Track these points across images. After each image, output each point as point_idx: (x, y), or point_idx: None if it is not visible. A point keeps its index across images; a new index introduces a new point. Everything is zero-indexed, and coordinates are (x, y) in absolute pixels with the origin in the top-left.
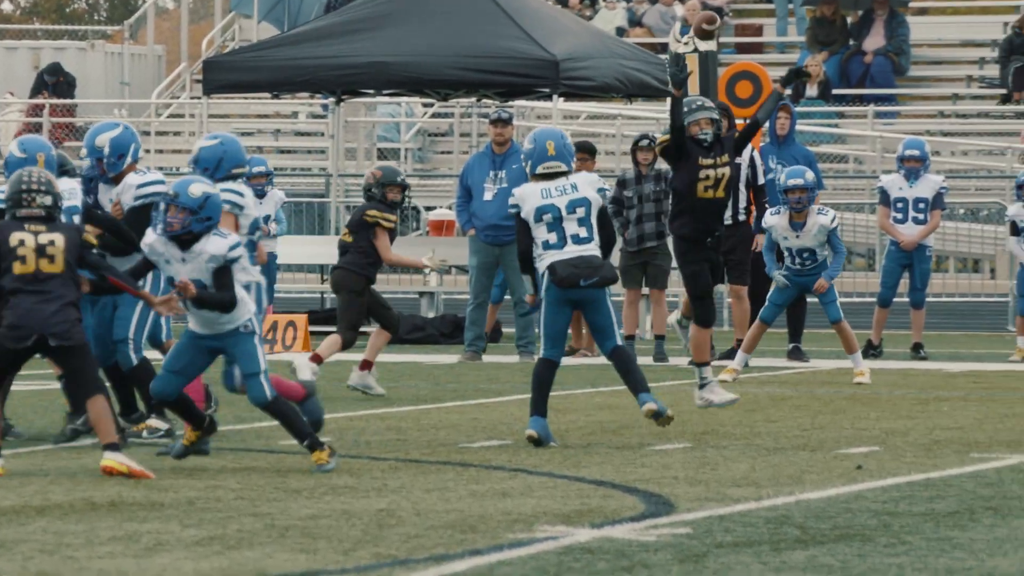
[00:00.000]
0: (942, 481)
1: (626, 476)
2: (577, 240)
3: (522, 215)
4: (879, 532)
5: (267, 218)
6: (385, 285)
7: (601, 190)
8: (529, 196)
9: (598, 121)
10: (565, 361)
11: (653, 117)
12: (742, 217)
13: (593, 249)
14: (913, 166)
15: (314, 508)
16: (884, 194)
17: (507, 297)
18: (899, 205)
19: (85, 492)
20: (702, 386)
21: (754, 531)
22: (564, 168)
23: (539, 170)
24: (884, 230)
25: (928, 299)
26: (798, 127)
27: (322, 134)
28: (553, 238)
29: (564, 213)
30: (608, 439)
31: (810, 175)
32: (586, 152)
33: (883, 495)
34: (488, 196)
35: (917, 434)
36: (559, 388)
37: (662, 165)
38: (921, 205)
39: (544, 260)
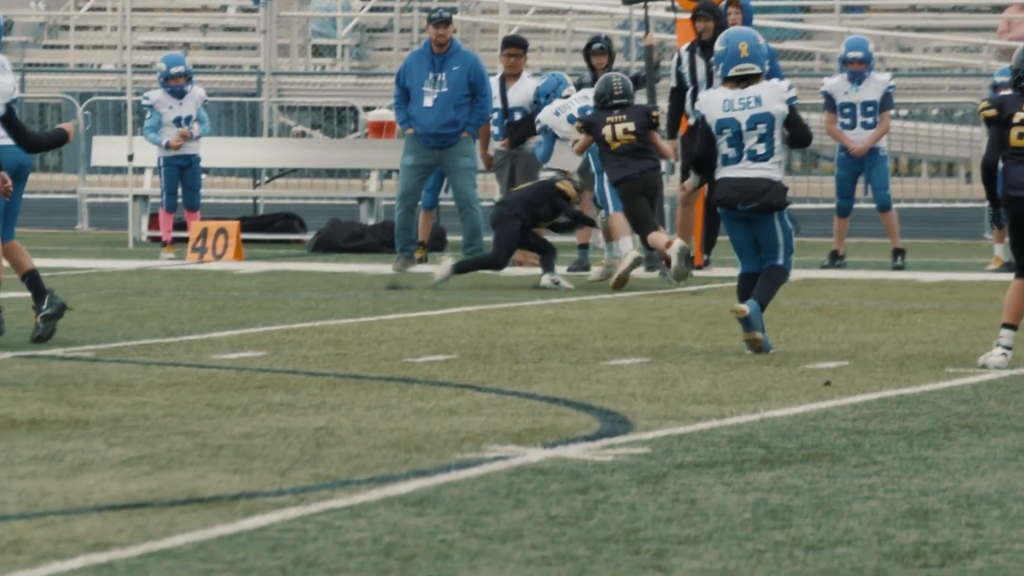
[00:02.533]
0: (915, 398)
1: (580, 393)
2: (754, 156)
3: (707, 122)
4: (849, 452)
5: (188, 118)
6: (322, 190)
7: (792, 99)
8: (713, 105)
9: (548, 16)
10: (513, 272)
11: (606, 11)
12: None
13: (769, 168)
14: (857, 69)
15: (248, 426)
16: (829, 99)
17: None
18: (846, 111)
19: (4, 409)
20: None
21: (716, 451)
22: (757, 70)
23: (731, 72)
24: (832, 137)
25: (900, 205)
26: (758, 22)
27: (253, 29)
28: (731, 152)
29: (744, 128)
30: (561, 354)
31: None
32: (518, 47)
33: (853, 413)
34: (428, 102)
35: (889, 348)
36: (507, 300)
37: (618, 66)
38: (870, 108)
39: (718, 172)
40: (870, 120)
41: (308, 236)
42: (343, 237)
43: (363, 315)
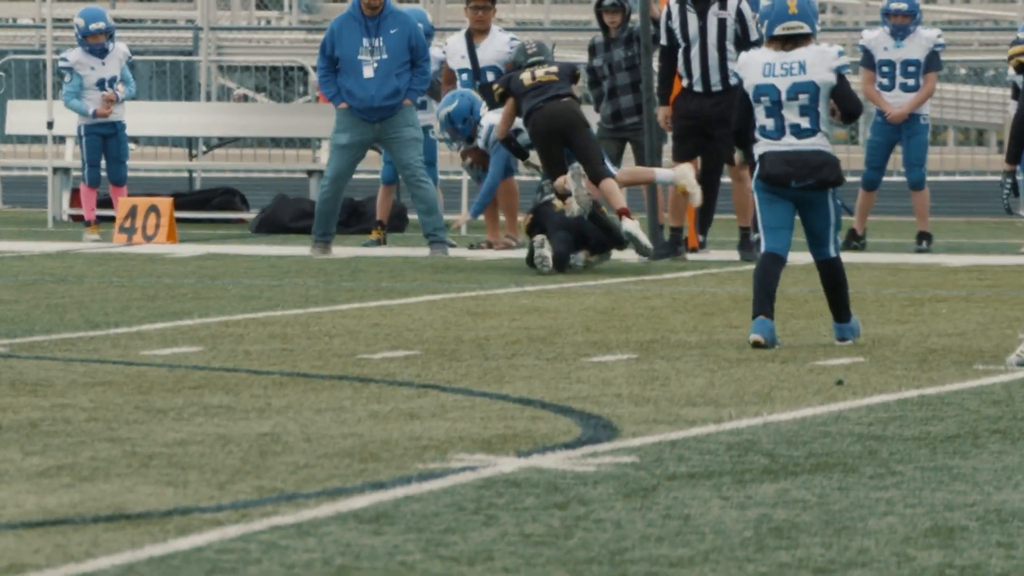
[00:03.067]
0: (939, 399)
1: (558, 394)
2: (796, 131)
3: (744, 87)
4: (864, 461)
5: (112, 80)
6: (267, 162)
7: (842, 68)
8: (751, 68)
9: None
10: (484, 255)
11: None
12: (734, 81)
13: (816, 142)
14: (901, 22)
15: (183, 432)
16: (867, 55)
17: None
18: (885, 69)
19: None
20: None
21: (713, 460)
22: (806, 30)
23: (777, 31)
24: (868, 99)
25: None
26: None
27: None
28: (770, 124)
29: (783, 98)
30: (536, 349)
31: None
32: None
33: (868, 416)
34: (368, 72)
35: (909, 342)
36: (477, 288)
37: (634, 25)
38: (911, 68)
39: (758, 147)
40: (911, 82)
41: (251, 215)
42: (290, 216)
43: (313, 305)
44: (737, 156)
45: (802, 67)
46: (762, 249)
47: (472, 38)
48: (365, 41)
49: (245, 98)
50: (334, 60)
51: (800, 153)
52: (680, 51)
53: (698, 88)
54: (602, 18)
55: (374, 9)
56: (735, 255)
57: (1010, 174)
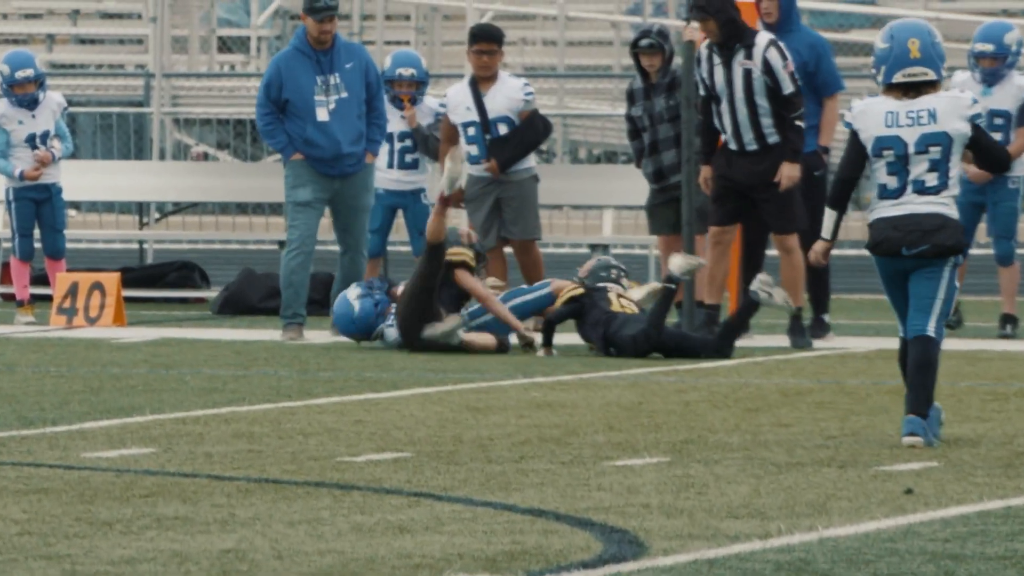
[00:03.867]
0: None
1: (576, 504)
2: (921, 188)
3: (860, 139)
4: None
5: (45, 135)
6: (231, 232)
7: (975, 116)
8: (871, 118)
9: None
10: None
11: None
12: (772, 139)
13: (939, 203)
14: (988, 66)
15: (132, 548)
16: None
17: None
18: None
19: None
20: None
21: None
22: (932, 77)
23: (896, 78)
24: None
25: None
26: (813, 5)
27: (139, 16)
28: (893, 182)
29: (911, 151)
30: (549, 451)
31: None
32: (491, 42)
33: (944, 531)
34: (323, 115)
35: (991, 443)
36: (478, 379)
37: (678, 68)
38: (999, 120)
39: (874, 211)
40: (1000, 136)
41: (212, 293)
42: (259, 295)
43: (285, 399)
44: (827, 226)
45: (932, 116)
46: (899, 335)
47: (478, 86)
48: (318, 79)
49: (205, 156)
50: (281, 104)
51: (914, 216)
52: (712, 103)
53: (732, 146)
54: (639, 60)
55: (324, 43)
56: (785, 340)
57: None
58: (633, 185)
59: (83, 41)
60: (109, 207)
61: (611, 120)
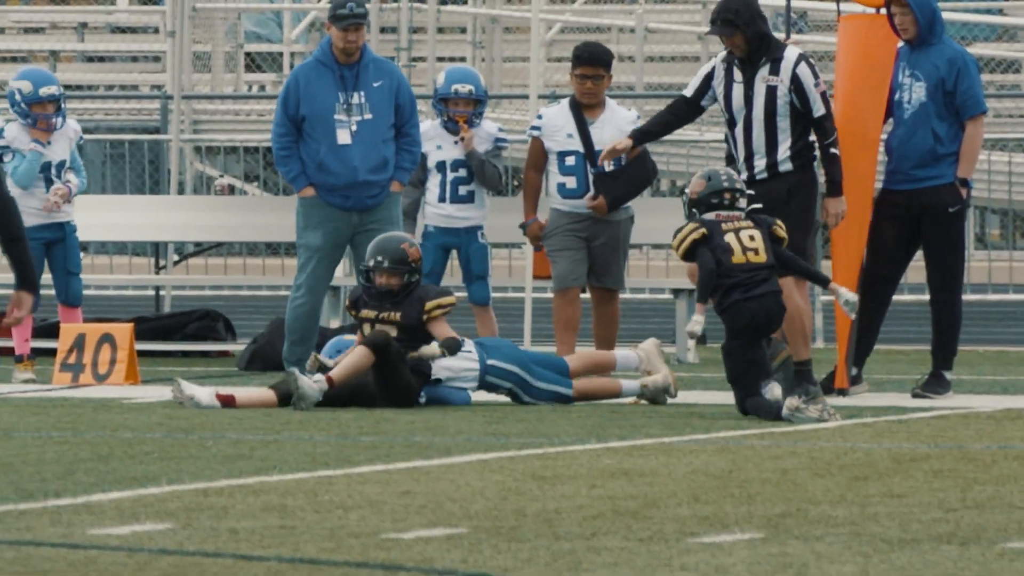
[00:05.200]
0: None
1: None
2: None
3: None
4: None
5: (61, 166)
6: (260, 276)
7: None
8: None
9: (607, 7)
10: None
11: None
12: (784, 168)
13: None
14: None
15: None
16: None
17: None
18: None
19: None
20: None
21: None
22: None
23: None
24: None
25: None
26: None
27: (156, 30)
28: None
29: None
30: (625, 526)
31: None
32: (597, 66)
33: None
34: (344, 138)
35: None
36: (544, 443)
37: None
38: None
39: None
40: None
41: (238, 346)
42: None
43: (322, 467)
44: None
45: None
46: None
47: (581, 111)
48: (341, 96)
49: (231, 190)
50: (298, 121)
51: None
52: (727, 125)
53: (742, 174)
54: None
55: (351, 55)
56: (896, 398)
57: None
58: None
59: (91, 59)
60: (121, 248)
61: (697, 146)
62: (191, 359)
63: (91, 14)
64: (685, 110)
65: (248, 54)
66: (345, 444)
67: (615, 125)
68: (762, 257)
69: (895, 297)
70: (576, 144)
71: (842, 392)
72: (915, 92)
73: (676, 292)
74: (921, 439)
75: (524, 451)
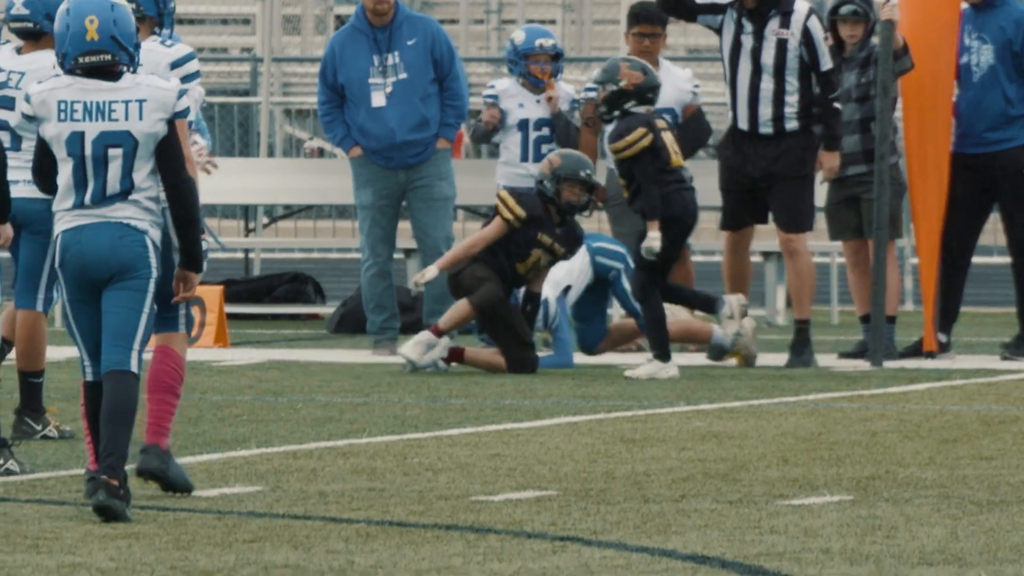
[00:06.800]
0: None
1: (745, 549)
2: None
3: None
4: None
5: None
6: (349, 238)
7: None
8: None
9: None
10: (629, 360)
11: None
12: (791, 125)
13: None
14: None
15: None
16: None
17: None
18: None
19: None
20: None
21: None
22: None
23: None
24: None
25: None
26: None
27: None
28: None
29: None
30: (715, 489)
31: None
32: (653, 23)
33: None
34: (379, 100)
35: None
36: (634, 406)
37: (876, 45)
38: None
39: None
40: None
41: (328, 309)
42: None
43: (411, 430)
44: None
45: None
46: None
47: None
48: (375, 59)
49: (320, 153)
50: (339, 89)
51: None
52: (727, 76)
53: (743, 126)
54: (836, 29)
55: (382, 15)
56: (983, 360)
57: None
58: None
59: (181, 21)
60: (210, 211)
61: None
62: (281, 322)
63: None
64: (679, 6)
65: (338, 16)
66: (435, 407)
67: (672, 84)
68: (681, 161)
69: (984, 260)
70: None
71: (930, 355)
72: (983, 55)
73: (766, 255)
74: (1010, 401)
75: (613, 414)
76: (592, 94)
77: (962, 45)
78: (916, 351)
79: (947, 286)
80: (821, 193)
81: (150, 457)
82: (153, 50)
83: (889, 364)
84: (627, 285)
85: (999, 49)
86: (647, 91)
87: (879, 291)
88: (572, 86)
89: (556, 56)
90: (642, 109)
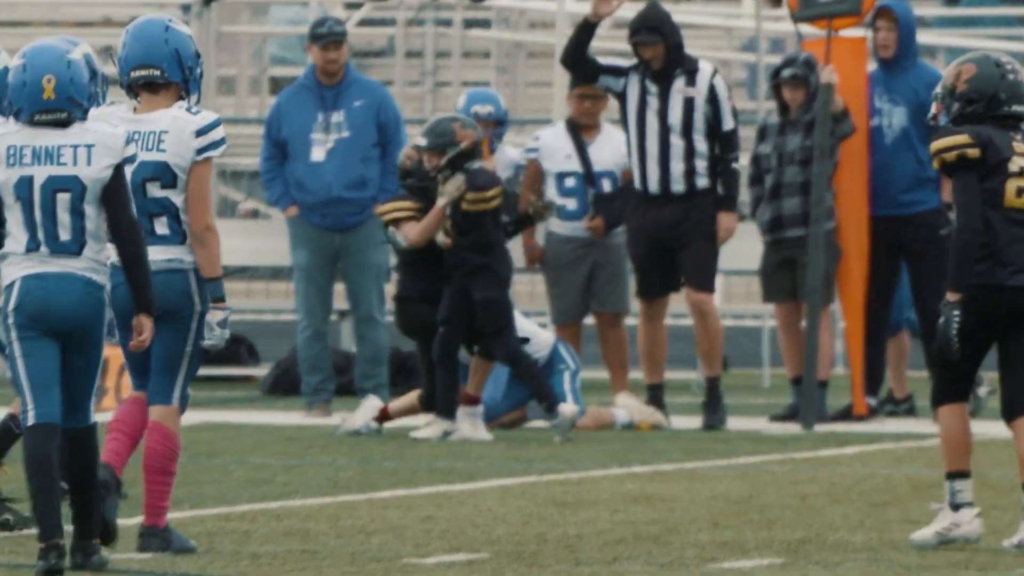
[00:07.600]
0: None
1: None
2: None
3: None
4: None
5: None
6: (284, 300)
7: None
8: None
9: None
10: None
11: (719, 25)
12: (702, 183)
13: None
14: None
15: None
16: None
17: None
18: None
19: None
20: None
21: None
22: None
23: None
24: None
25: None
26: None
27: None
28: None
29: None
30: (646, 551)
31: None
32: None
33: None
34: (319, 155)
35: None
36: (566, 469)
37: (746, 108)
38: None
39: None
40: None
41: (262, 370)
42: None
43: (344, 492)
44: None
45: None
46: None
47: (579, 132)
48: (320, 115)
49: (255, 214)
50: (282, 145)
51: None
52: (633, 140)
53: (655, 189)
54: (780, 93)
55: (332, 75)
56: (915, 424)
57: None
58: (749, 247)
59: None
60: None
61: None
62: (214, 384)
63: (116, 33)
64: (582, 66)
65: (272, 78)
66: (367, 469)
67: (613, 147)
68: None
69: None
70: (575, 165)
71: (860, 418)
72: (895, 117)
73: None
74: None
75: (546, 476)
76: (533, 155)
77: (872, 107)
78: (846, 414)
79: (869, 349)
80: (757, 256)
81: (151, 540)
82: (179, 117)
83: (820, 427)
84: (566, 384)
85: (912, 112)
86: (479, 147)
87: (812, 354)
88: (517, 150)
89: (498, 122)
90: (476, 164)
